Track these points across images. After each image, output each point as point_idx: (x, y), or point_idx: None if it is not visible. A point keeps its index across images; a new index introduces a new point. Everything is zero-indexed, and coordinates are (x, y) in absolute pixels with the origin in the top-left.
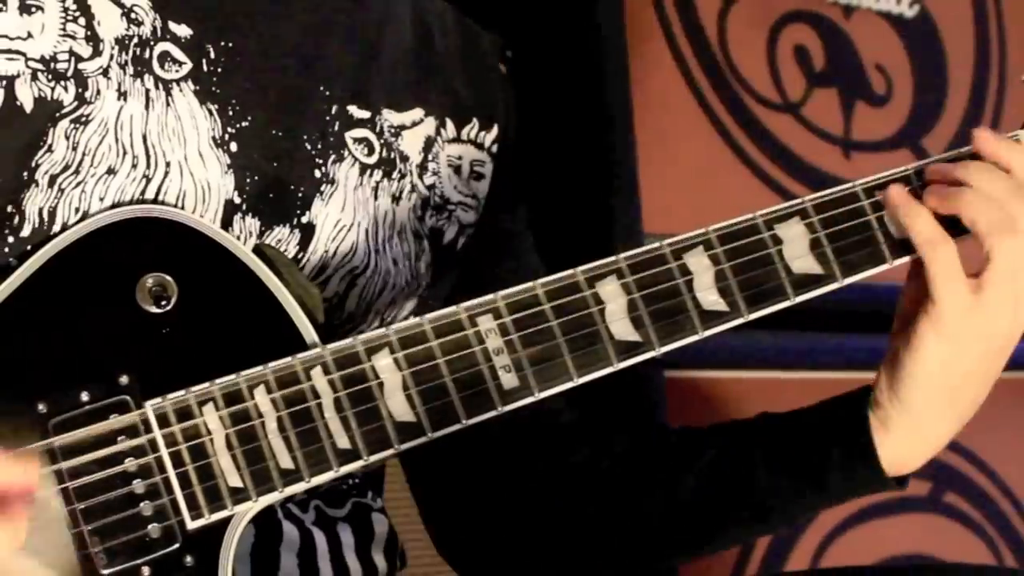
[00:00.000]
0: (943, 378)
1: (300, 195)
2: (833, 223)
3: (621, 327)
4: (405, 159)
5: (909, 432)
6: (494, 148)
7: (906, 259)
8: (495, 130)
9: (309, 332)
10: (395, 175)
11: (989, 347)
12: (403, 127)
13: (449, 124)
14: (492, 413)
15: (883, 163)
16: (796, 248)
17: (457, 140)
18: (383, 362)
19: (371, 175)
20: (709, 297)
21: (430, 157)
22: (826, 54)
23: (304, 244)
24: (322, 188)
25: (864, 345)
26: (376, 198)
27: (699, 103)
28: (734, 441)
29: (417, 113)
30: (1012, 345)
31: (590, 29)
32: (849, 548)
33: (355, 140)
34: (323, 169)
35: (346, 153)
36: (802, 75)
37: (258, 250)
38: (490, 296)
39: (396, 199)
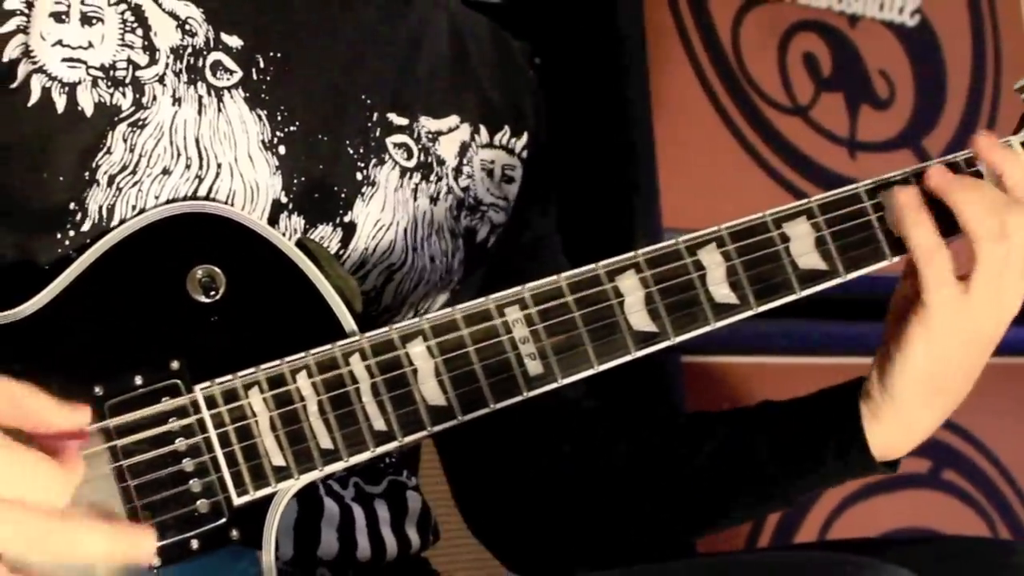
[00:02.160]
0: (929, 375)
1: (343, 196)
2: (837, 222)
3: (639, 318)
4: (442, 163)
5: (897, 422)
6: (524, 153)
7: (906, 255)
8: (525, 136)
9: (348, 321)
10: (432, 177)
11: (973, 346)
12: (440, 133)
13: (483, 130)
14: (518, 398)
15: (886, 162)
16: (802, 245)
17: (490, 146)
18: (417, 349)
19: (410, 177)
20: (721, 291)
21: (464, 161)
22: (833, 61)
23: (345, 242)
24: (363, 190)
25: (869, 332)
26: (415, 199)
27: (714, 106)
28: (739, 427)
29: (453, 120)
30: (995, 342)
31: (612, 37)
32: (854, 522)
33: (395, 145)
34: (365, 172)
35: (387, 157)
36: (810, 80)
37: (301, 244)
38: (517, 288)
39: (434, 200)
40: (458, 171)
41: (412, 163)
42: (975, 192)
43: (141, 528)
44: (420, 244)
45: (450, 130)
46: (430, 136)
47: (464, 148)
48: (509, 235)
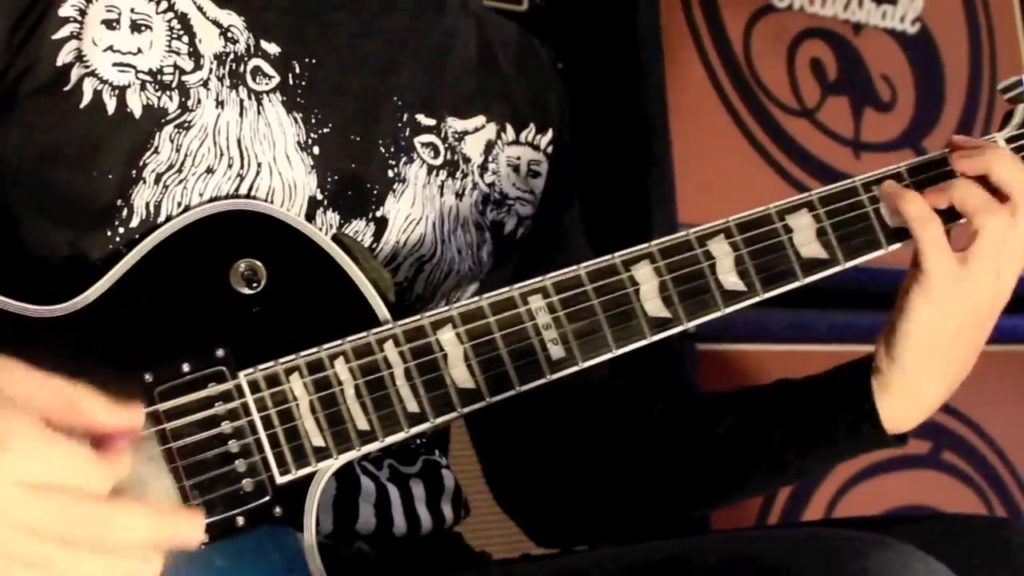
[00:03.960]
0: (931, 340)
1: (375, 192)
2: (836, 214)
3: (653, 305)
4: (467, 160)
5: (906, 393)
6: (549, 149)
7: (899, 245)
8: (550, 133)
9: (382, 310)
10: (458, 175)
11: (973, 315)
12: (466, 132)
13: (509, 129)
14: (542, 380)
15: (889, 162)
16: (805, 236)
17: (516, 143)
18: (447, 336)
19: (437, 175)
20: (730, 279)
21: (490, 159)
22: (838, 66)
23: (378, 236)
24: (395, 186)
25: (875, 321)
26: (442, 195)
27: (726, 108)
28: (755, 403)
29: (480, 120)
30: (995, 315)
31: (631, 44)
32: (859, 500)
33: (423, 144)
34: (395, 169)
35: (415, 156)
36: (817, 84)
37: (337, 239)
38: (539, 278)
39: (459, 196)
40: (484, 168)
41: (439, 161)
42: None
43: (188, 510)
44: (448, 237)
45: (476, 130)
46: (456, 135)
47: (490, 146)
48: (536, 230)
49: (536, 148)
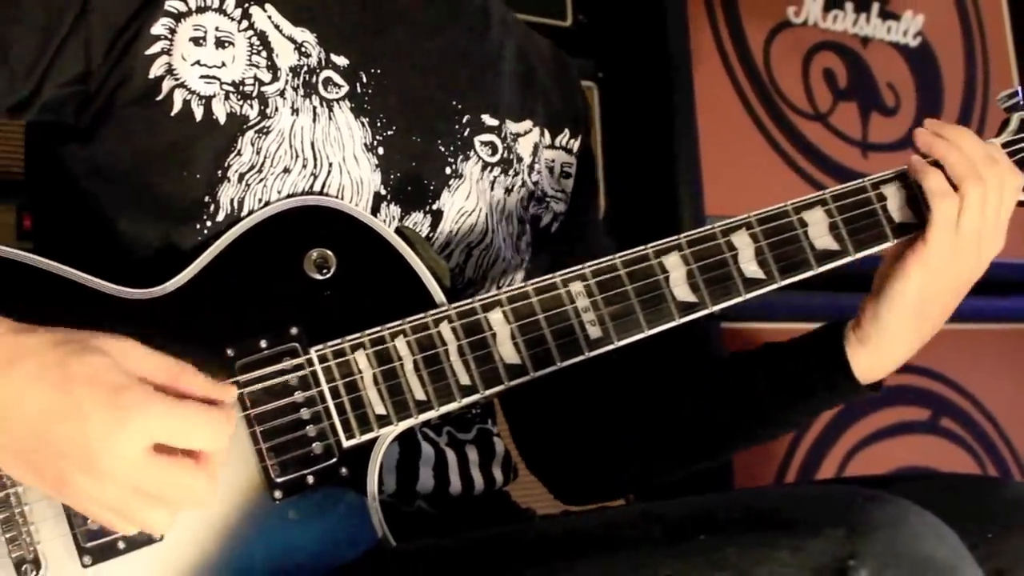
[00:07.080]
0: (916, 303)
1: (432, 187)
2: (847, 210)
3: (682, 291)
4: (520, 160)
5: (881, 348)
6: (578, 152)
7: (904, 238)
8: (580, 138)
9: (438, 294)
10: (511, 172)
11: (955, 284)
12: (519, 135)
13: (547, 133)
14: (581, 357)
15: (893, 161)
16: (818, 230)
17: (552, 147)
18: (495, 317)
19: (491, 171)
20: (750, 268)
21: (536, 159)
22: (848, 75)
23: (434, 226)
24: (451, 182)
25: None
26: (492, 189)
27: (748, 112)
28: (742, 365)
29: (528, 124)
30: (971, 282)
31: (662, 55)
32: (867, 461)
33: (482, 143)
34: (453, 166)
35: (472, 153)
36: (829, 91)
37: (399, 231)
38: (579, 266)
39: (508, 191)
40: (531, 168)
41: (495, 159)
42: (955, 148)
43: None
44: (495, 227)
45: (525, 133)
46: (512, 136)
47: (536, 148)
48: (566, 223)
49: (568, 152)
